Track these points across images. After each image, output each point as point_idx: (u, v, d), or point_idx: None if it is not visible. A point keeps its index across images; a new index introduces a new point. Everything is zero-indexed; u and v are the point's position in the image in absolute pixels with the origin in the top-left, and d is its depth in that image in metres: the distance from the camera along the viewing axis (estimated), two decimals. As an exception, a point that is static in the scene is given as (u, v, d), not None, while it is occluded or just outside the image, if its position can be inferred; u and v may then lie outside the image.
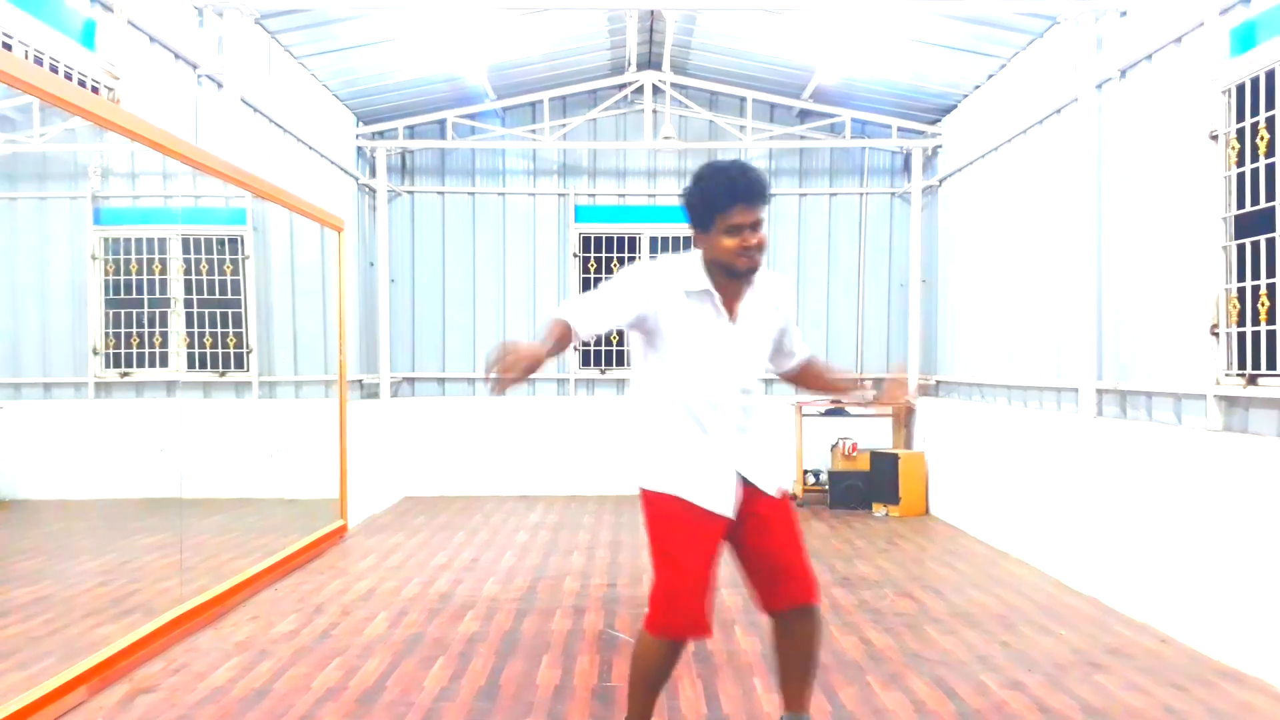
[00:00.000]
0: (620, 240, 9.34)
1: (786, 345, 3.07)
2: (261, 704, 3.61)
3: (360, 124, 8.79)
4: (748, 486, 2.88)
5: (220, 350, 6.68)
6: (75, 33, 4.62)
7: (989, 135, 7.41)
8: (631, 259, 9.18)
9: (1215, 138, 4.60)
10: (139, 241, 6.36)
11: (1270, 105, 4.26)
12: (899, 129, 8.91)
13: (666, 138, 8.57)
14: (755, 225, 2.75)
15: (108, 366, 6.30)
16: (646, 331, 2.82)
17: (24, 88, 3.31)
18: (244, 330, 6.64)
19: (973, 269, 7.85)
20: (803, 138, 9.13)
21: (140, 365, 6.35)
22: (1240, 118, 4.48)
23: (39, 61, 4.28)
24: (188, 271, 6.54)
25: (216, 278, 6.60)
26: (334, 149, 8.01)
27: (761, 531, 2.90)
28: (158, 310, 6.43)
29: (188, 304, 6.56)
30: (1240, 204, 4.47)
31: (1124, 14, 5.53)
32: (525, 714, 3.53)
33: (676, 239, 9.08)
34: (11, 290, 6.01)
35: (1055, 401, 6.40)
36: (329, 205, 7.06)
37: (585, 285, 9.20)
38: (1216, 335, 4.56)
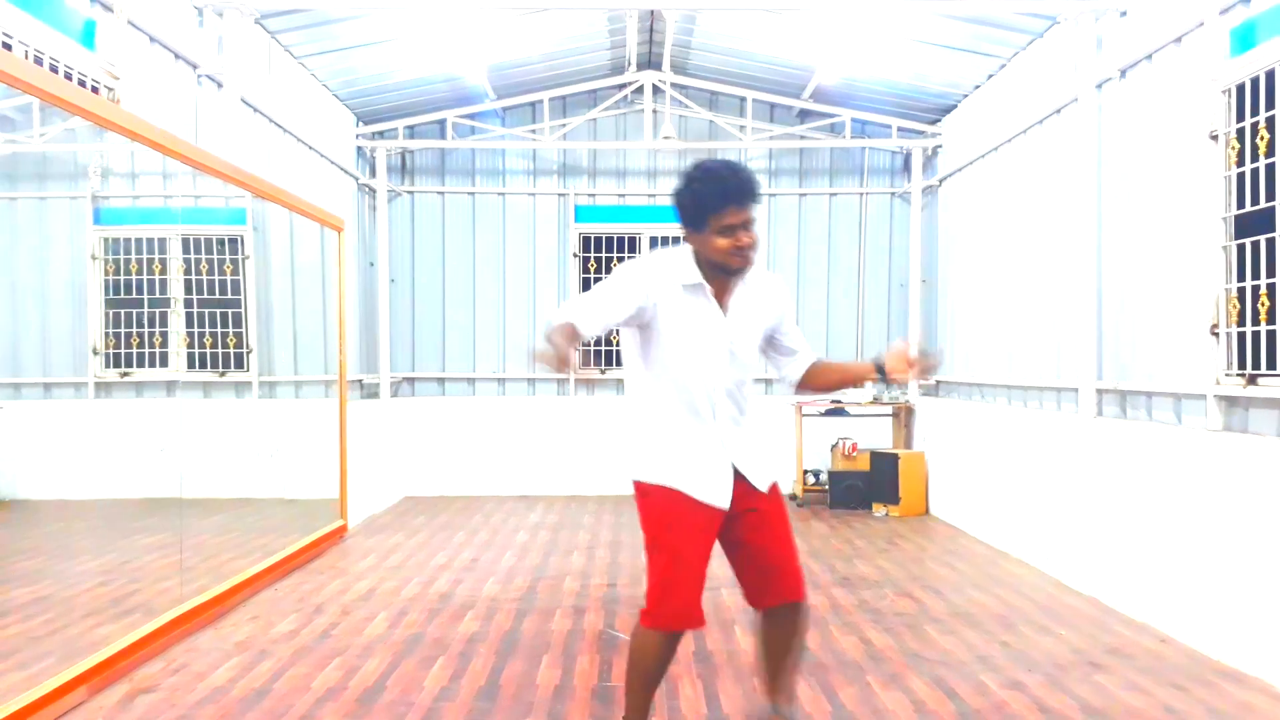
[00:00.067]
0: (620, 240, 9.34)
1: (784, 344, 3.07)
2: (261, 704, 3.61)
3: (360, 124, 8.79)
4: (741, 481, 2.90)
5: (220, 350, 6.68)
6: (75, 33, 4.62)
7: (989, 135, 7.41)
8: (631, 259, 9.18)
9: (1215, 138, 4.60)
10: (139, 241, 6.35)
11: (1270, 105, 4.26)
12: (899, 129, 8.92)
13: (666, 138, 8.57)
14: (747, 224, 2.79)
15: (108, 366, 6.30)
16: (644, 325, 2.84)
17: (24, 88, 3.31)
18: (244, 330, 6.64)
19: (973, 269, 7.85)
20: (803, 138, 9.13)
21: (140, 365, 6.34)
22: (1240, 118, 4.48)
23: (39, 61, 4.28)
24: (188, 271, 6.54)
25: (216, 278, 6.60)
26: (334, 149, 8.01)
27: (755, 529, 2.93)
28: (158, 310, 6.42)
29: (188, 304, 6.56)
30: (1240, 204, 4.47)
31: (1124, 14, 5.53)
32: (525, 714, 3.53)
33: (677, 239, 9.01)
34: (11, 290, 6.00)
35: (1055, 401, 6.40)
36: (329, 205, 7.06)
37: (585, 285, 9.20)
38: (1216, 335, 4.56)
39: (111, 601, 4.86)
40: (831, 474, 8.42)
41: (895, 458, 8.02)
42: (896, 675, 3.95)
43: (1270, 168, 4.25)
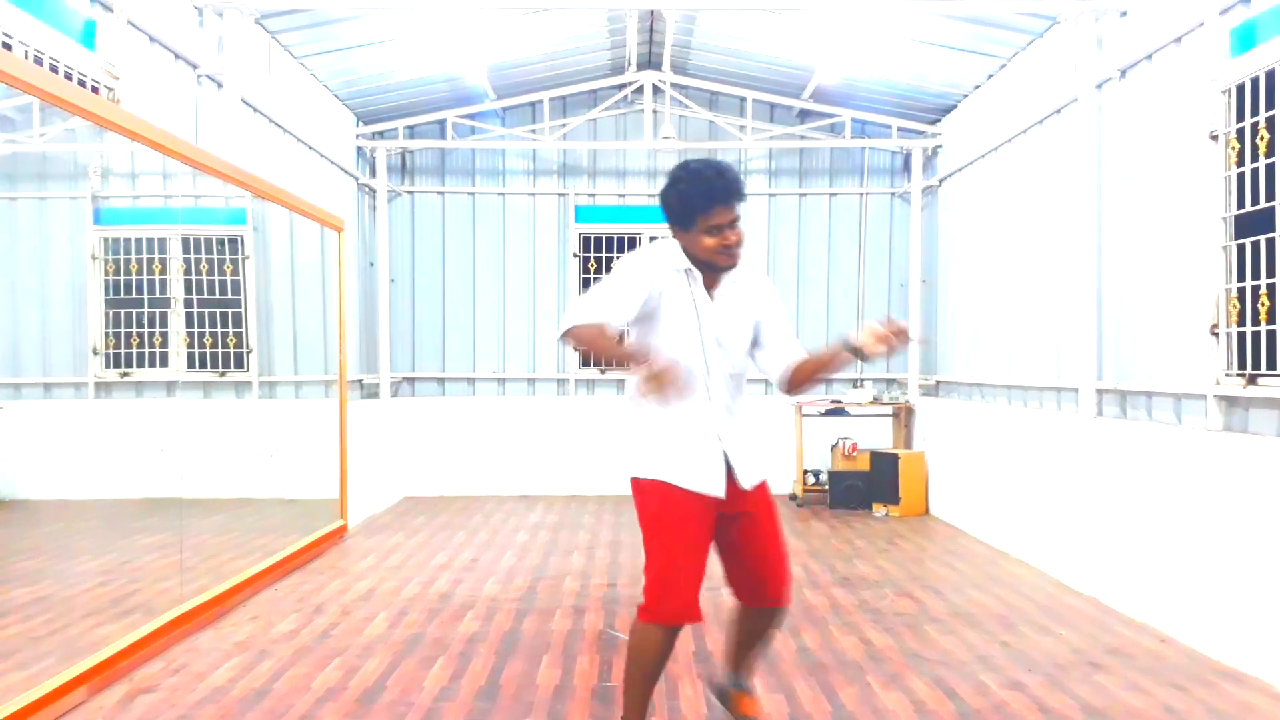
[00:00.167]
0: (620, 240, 9.34)
1: (769, 343, 3.05)
2: (261, 704, 3.61)
3: (360, 124, 8.79)
4: (732, 480, 2.94)
5: (220, 350, 6.68)
6: (75, 33, 4.62)
7: (989, 135, 7.41)
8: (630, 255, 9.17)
9: (1215, 138, 4.60)
10: (139, 241, 6.35)
11: (1270, 105, 4.26)
12: (899, 129, 8.92)
13: (666, 138, 8.57)
14: (734, 223, 2.85)
15: (108, 366, 6.29)
16: (646, 314, 2.89)
17: (24, 88, 3.31)
18: (244, 330, 6.64)
19: (973, 269, 7.85)
20: (803, 138, 9.13)
21: (140, 365, 6.34)
22: (1240, 118, 4.48)
23: (39, 61, 4.28)
24: (188, 271, 6.54)
25: (216, 278, 6.60)
26: (334, 149, 8.01)
27: (746, 536, 3.00)
28: (158, 310, 6.42)
29: (188, 304, 6.55)
30: (1240, 204, 4.47)
31: (1124, 14, 5.53)
32: (525, 714, 3.53)
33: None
34: (11, 290, 6.00)
35: (1055, 401, 6.40)
36: (329, 205, 7.06)
37: (585, 285, 9.20)
38: (1216, 335, 4.56)
39: (111, 601, 4.86)
40: (831, 474, 8.42)
41: (895, 458, 8.02)
42: (896, 675, 3.95)
43: (1270, 168, 4.25)
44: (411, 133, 9.11)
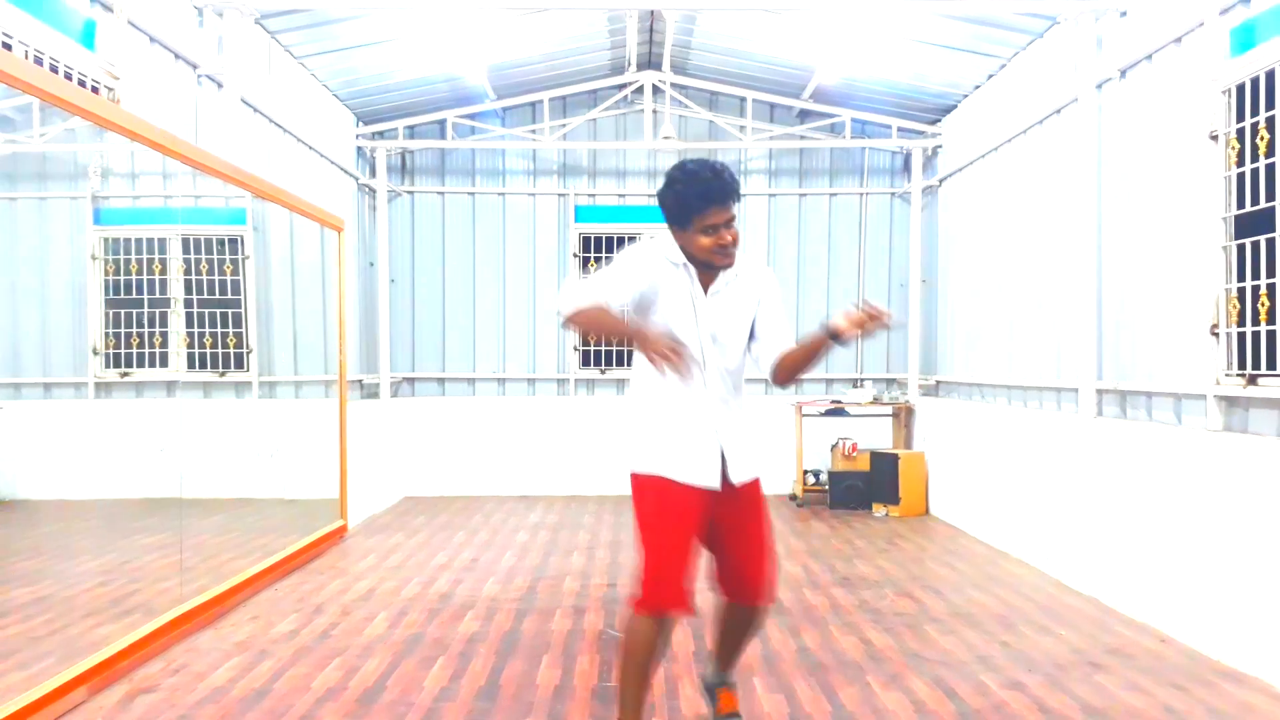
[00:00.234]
0: (620, 240, 9.34)
1: (761, 333, 3.06)
2: (261, 704, 3.61)
3: (360, 124, 8.79)
4: (726, 476, 2.99)
5: (220, 350, 6.68)
6: (75, 33, 4.62)
7: (989, 135, 7.41)
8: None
9: (1215, 138, 4.60)
10: (139, 241, 6.35)
11: (1270, 105, 4.26)
12: (899, 129, 8.92)
13: (666, 138, 8.57)
14: (729, 223, 2.89)
15: (108, 366, 6.29)
16: (644, 306, 2.94)
17: (24, 88, 3.31)
18: (244, 330, 6.63)
19: (973, 269, 7.85)
20: (803, 138, 9.13)
21: (140, 365, 6.34)
22: (1240, 118, 4.48)
23: (39, 61, 4.28)
24: (188, 271, 6.54)
25: (216, 278, 6.60)
26: (334, 149, 8.01)
27: (734, 530, 3.06)
28: (158, 310, 6.42)
29: (188, 304, 6.55)
30: (1240, 204, 4.47)
31: (1124, 14, 5.53)
32: (525, 714, 3.53)
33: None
34: (11, 290, 6.00)
35: (1055, 401, 6.40)
36: (329, 205, 7.06)
37: (585, 285, 9.18)
38: (1216, 335, 4.56)
39: (111, 601, 4.86)
40: (831, 474, 8.42)
41: (895, 458, 8.02)
42: (896, 675, 3.95)
43: (1270, 168, 4.25)
44: (411, 133, 9.11)
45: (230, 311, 6.62)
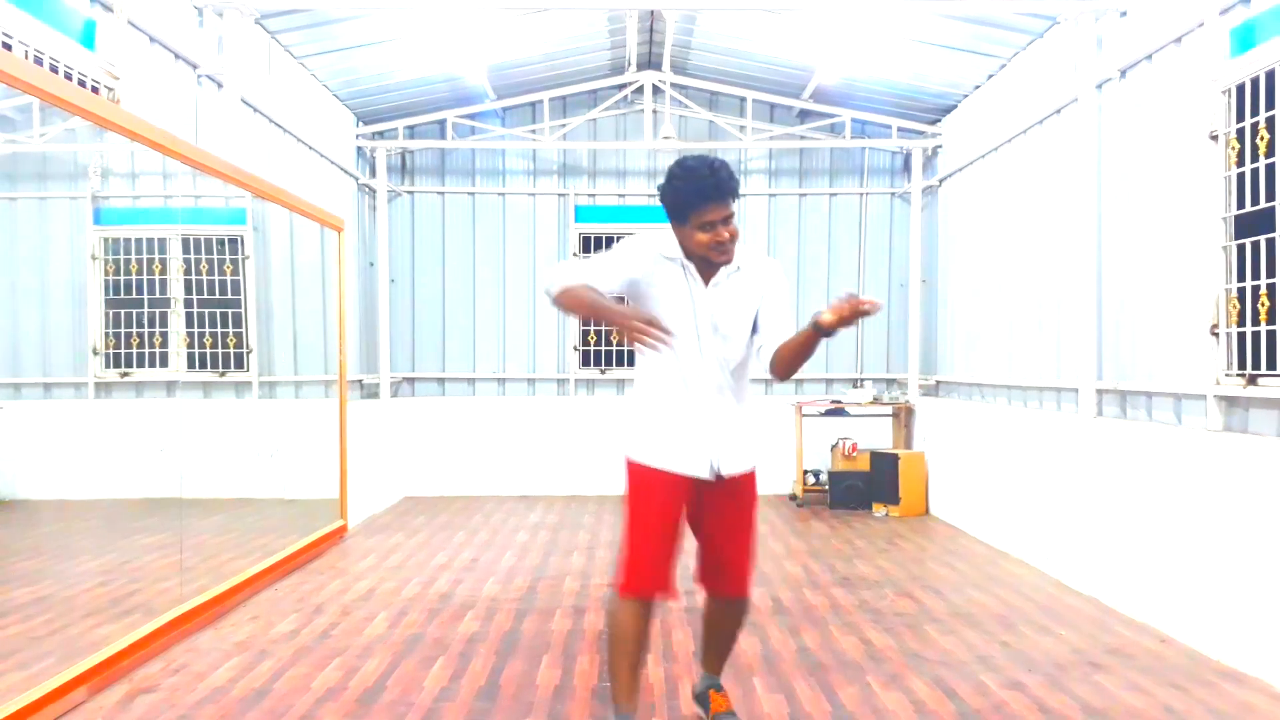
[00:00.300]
0: (620, 240, 9.32)
1: (766, 324, 3.07)
2: (261, 704, 3.61)
3: (360, 124, 8.79)
4: (715, 468, 3.05)
5: (220, 350, 6.68)
6: (75, 33, 4.62)
7: (989, 135, 7.41)
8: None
9: (1215, 138, 4.60)
10: (139, 241, 6.35)
11: (1270, 105, 4.26)
12: (899, 129, 8.92)
13: (666, 138, 8.57)
14: (727, 220, 2.92)
15: (108, 366, 6.30)
16: (638, 298, 3.02)
17: (24, 88, 3.31)
18: (244, 330, 6.64)
19: (973, 269, 7.85)
20: (803, 138, 9.13)
21: (140, 365, 6.34)
22: (1240, 118, 4.48)
23: (39, 61, 4.28)
24: (188, 271, 6.54)
25: (216, 278, 6.60)
26: (334, 149, 8.01)
27: (717, 524, 3.13)
28: (158, 310, 6.42)
29: (188, 304, 6.55)
30: (1240, 204, 4.47)
31: (1124, 14, 5.53)
32: (525, 714, 3.53)
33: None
34: (11, 290, 6.00)
35: (1055, 401, 6.40)
36: (329, 205, 7.06)
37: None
38: (1216, 335, 4.56)
39: (111, 601, 4.86)
40: (831, 474, 8.42)
41: (895, 458, 8.02)
42: (896, 675, 3.95)
43: (1270, 168, 4.25)
44: (411, 133, 9.11)
45: (230, 311, 6.62)
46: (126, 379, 6.34)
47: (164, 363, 6.42)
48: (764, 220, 9.30)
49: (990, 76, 7.45)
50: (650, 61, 8.84)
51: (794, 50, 7.79)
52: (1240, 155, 4.47)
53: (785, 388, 9.16)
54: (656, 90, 9.01)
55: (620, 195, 9.41)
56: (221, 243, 6.66)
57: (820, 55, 7.68)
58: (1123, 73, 5.51)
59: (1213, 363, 4.57)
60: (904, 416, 8.80)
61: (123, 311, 6.33)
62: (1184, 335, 4.83)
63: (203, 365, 6.70)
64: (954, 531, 7.26)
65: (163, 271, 6.44)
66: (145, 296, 6.36)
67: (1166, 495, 4.61)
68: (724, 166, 2.92)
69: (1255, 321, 4.34)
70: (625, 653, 3.03)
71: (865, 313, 2.69)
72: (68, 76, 4.47)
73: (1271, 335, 4.23)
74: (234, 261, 6.64)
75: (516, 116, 9.23)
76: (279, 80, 6.83)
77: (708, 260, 2.97)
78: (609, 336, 9.26)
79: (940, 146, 8.71)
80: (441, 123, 9.06)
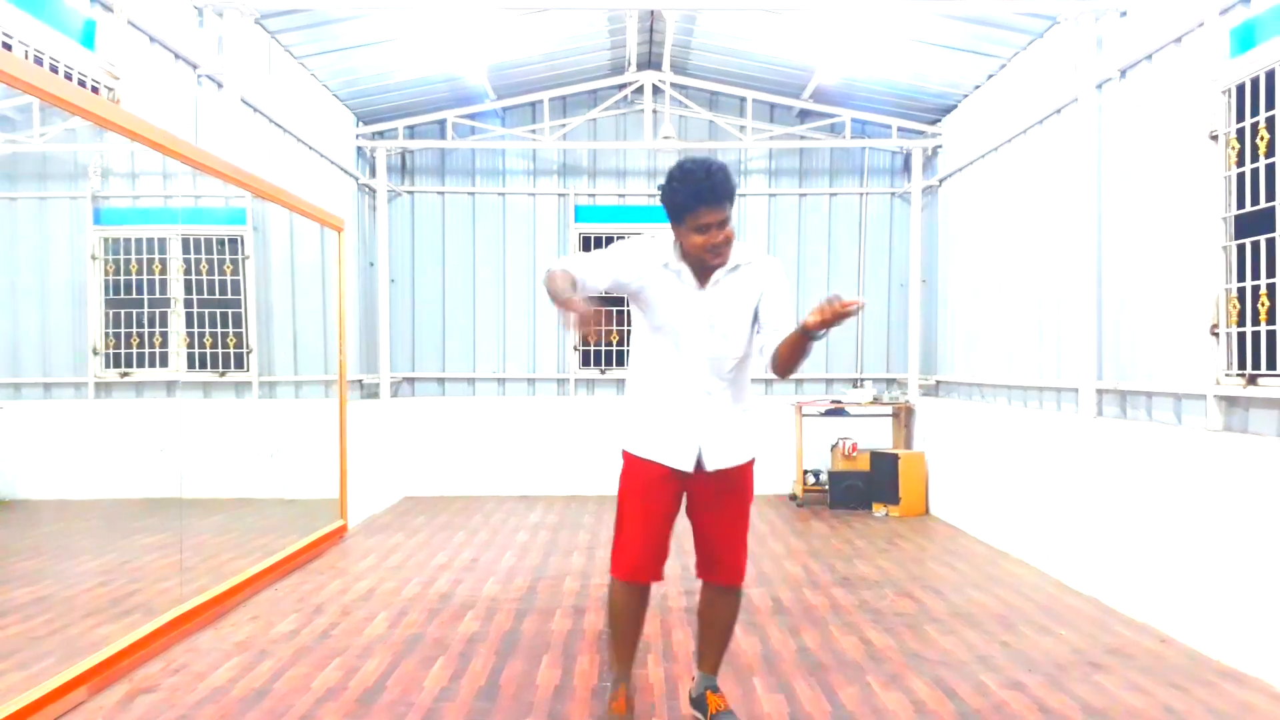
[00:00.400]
0: (620, 240, 9.33)
1: (765, 324, 3.11)
2: (261, 704, 3.61)
3: (360, 124, 8.79)
4: (702, 461, 3.15)
5: (220, 350, 6.68)
6: (75, 33, 4.62)
7: (989, 135, 7.41)
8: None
9: (1215, 138, 4.60)
10: (139, 241, 6.35)
11: (1270, 105, 4.26)
12: (899, 129, 8.92)
13: (666, 138, 8.57)
14: (722, 223, 2.98)
15: (108, 366, 6.29)
16: (632, 296, 3.15)
17: (24, 88, 3.31)
18: (244, 330, 6.63)
19: (973, 269, 7.85)
20: (803, 138, 9.13)
21: (140, 365, 6.34)
22: (1240, 118, 4.48)
23: (39, 61, 4.28)
24: (188, 271, 6.54)
25: (216, 278, 6.60)
26: (334, 149, 8.01)
27: (707, 513, 3.24)
28: (158, 310, 6.42)
29: (188, 304, 6.55)
30: (1240, 204, 4.47)
31: (1124, 14, 5.53)
32: (525, 714, 3.53)
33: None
34: (11, 290, 6.00)
35: (1055, 401, 6.40)
36: (329, 205, 7.06)
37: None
38: (1216, 335, 4.56)
39: (111, 601, 4.86)
40: (831, 474, 8.42)
41: (895, 458, 8.02)
42: (896, 675, 3.95)
43: (1270, 168, 4.25)
44: (411, 133, 9.11)
45: (230, 311, 6.62)
46: (126, 379, 6.34)
47: (164, 363, 6.42)
48: (764, 220, 9.31)
49: (990, 76, 7.45)
50: (650, 61, 8.84)
51: (794, 50, 7.79)
52: (1240, 155, 4.47)
53: (785, 387, 9.17)
54: (656, 90, 9.01)
55: (620, 195, 9.41)
56: (221, 243, 6.66)
57: (820, 55, 7.68)
58: (1123, 73, 5.51)
59: (1213, 363, 4.57)
60: (904, 416, 8.80)
61: (123, 311, 6.32)
62: (1184, 335, 4.83)
63: (203, 365, 6.70)
64: (954, 531, 7.26)
65: (163, 271, 6.44)
66: (145, 296, 6.36)
67: (1166, 495, 4.61)
68: (721, 170, 2.96)
69: (1255, 321, 4.34)
70: (618, 629, 3.29)
71: (848, 313, 2.70)
72: (68, 76, 4.47)
73: (1271, 335, 4.23)
74: (234, 261, 6.64)
75: (516, 116, 9.23)
76: (279, 80, 6.83)
77: (702, 263, 3.04)
78: (608, 336, 9.25)
79: (940, 146, 8.71)
80: (441, 123, 9.06)
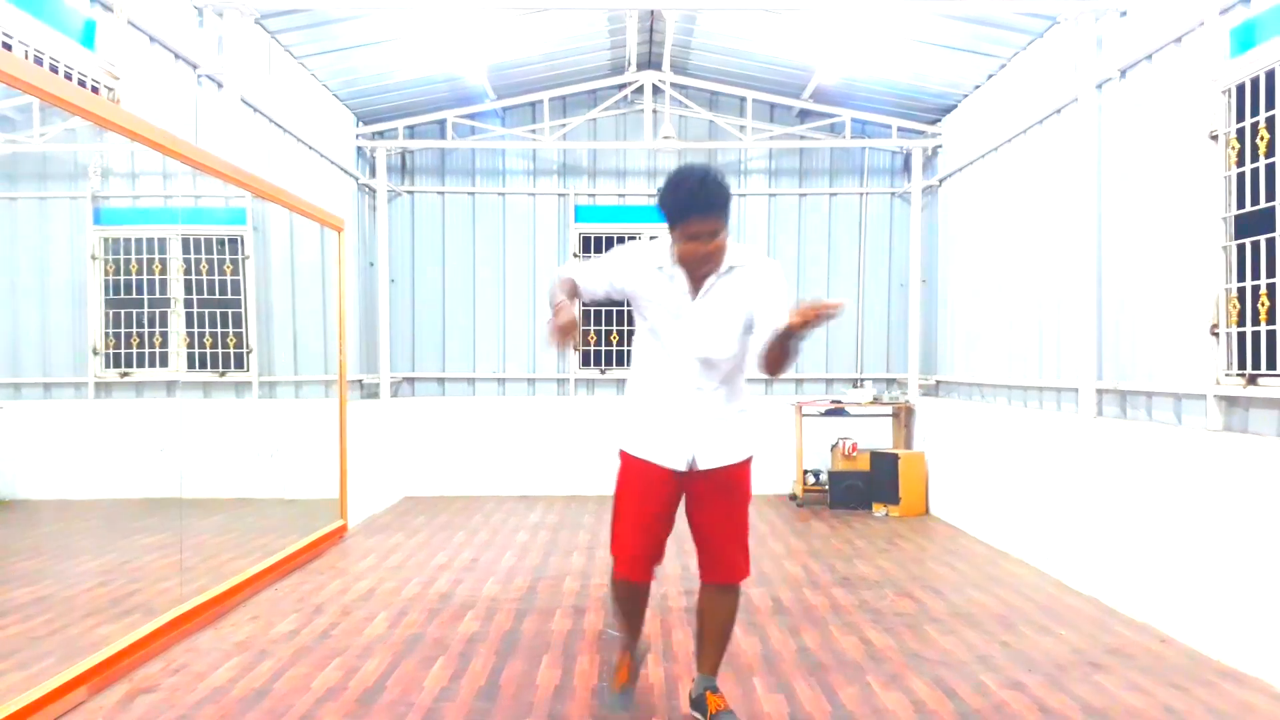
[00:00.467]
0: (620, 240, 9.33)
1: (757, 324, 3.11)
2: (261, 704, 3.61)
3: (360, 124, 8.79)
4: (702, 461, 3.20)
5: (220, 350, 6.68)
6: (75, 33, 4.62)
7: (989, 135, 7.41)
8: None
9: (1215, 138, 4.60)
10: (139, 241, 6.35)
11: (1270, 105, 4.26)
12: (899, 129, 8.92)
13: (666, 138, 8.57)
14: (714, 232, 3.00)
15: (108, 366, 6.29)
16: (630, 300, 3.22)
17: (24, 88, 3.31)
18: (244, 330, 6.64)
19: (973, 269, 7.85)
20: (803, 138, 9.13)
21: (140, 365, 6.34)
22: (1240, 118, 4.48)
23: (39, 61, 4.28)
24: (188, 271, 6.54)
25: (216, 278, 6.60)
26: (334, 149, 8.01)
27: (703, 512, 3.27)
28: (158, 310, 6.42)
29: (188, 304, 6.55)
30: (1240, 204, 4.47)
31: (1124, 14, 5.53)
32: (525, 714, 3.53)
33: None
34: (11, 290, 6.00)
35: (1055, 401, 6.40)
36: (329, 205, 7.06)
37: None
38: (1216, 335, 4.56)
39: (111, 601, 4.86)
40: (831, 474, 8.42)
41: (895, 458, 8.02)
42: (896, 675, 3.95)
43: (1270, 168, 4.25)
44: (411, 133, 9.11)
45: (230, 311, 6.62)
46: (126, 379, 6.34)
47: (164, 363, 6.42)
48: (764, 220, 9.31)
49: (990, 76, 7.45)
50: (650, 61, 8.84)
51: (794, 50, 7.79)
52: (1240, 155, 4.47)
53: (785, 388, 9.17)
54: (656, 90, 9.01)
55: (620, 195, 9.41)
56: (221, 243, 6.66)
57: (820, 55, 7.68)
58: (1123, 72, 5.51)
59: (1213, 363, 4.57)
60: (904, 416, 8.80)
61: (123, 311, 6.33)
62: (1184, 335, 4.83)
63: (203, 365, 6.70)
64: (954, 531, 7.26)
65: (163, 271, 6.44)
66: (145, 296, 6.36)
67: (1166, 495, 4.61)
68: (714, 180, 2.95)
69: (1255, 321, 4.34)
70: (622, 612, 3.46)
71: (829, 314, 2.71)
72: (68, 76, 4.47)
73: (1271, 335, 4.23)
74: (234, 261, 6.64)
75: (516, 116, 9.23)
76: (279, 80, 6.83)
77: (693, 270, 3.07)
78: (609, 336, 9.26)
79: (940, 146, 8.71)
80: (441, 123, 9.06)
